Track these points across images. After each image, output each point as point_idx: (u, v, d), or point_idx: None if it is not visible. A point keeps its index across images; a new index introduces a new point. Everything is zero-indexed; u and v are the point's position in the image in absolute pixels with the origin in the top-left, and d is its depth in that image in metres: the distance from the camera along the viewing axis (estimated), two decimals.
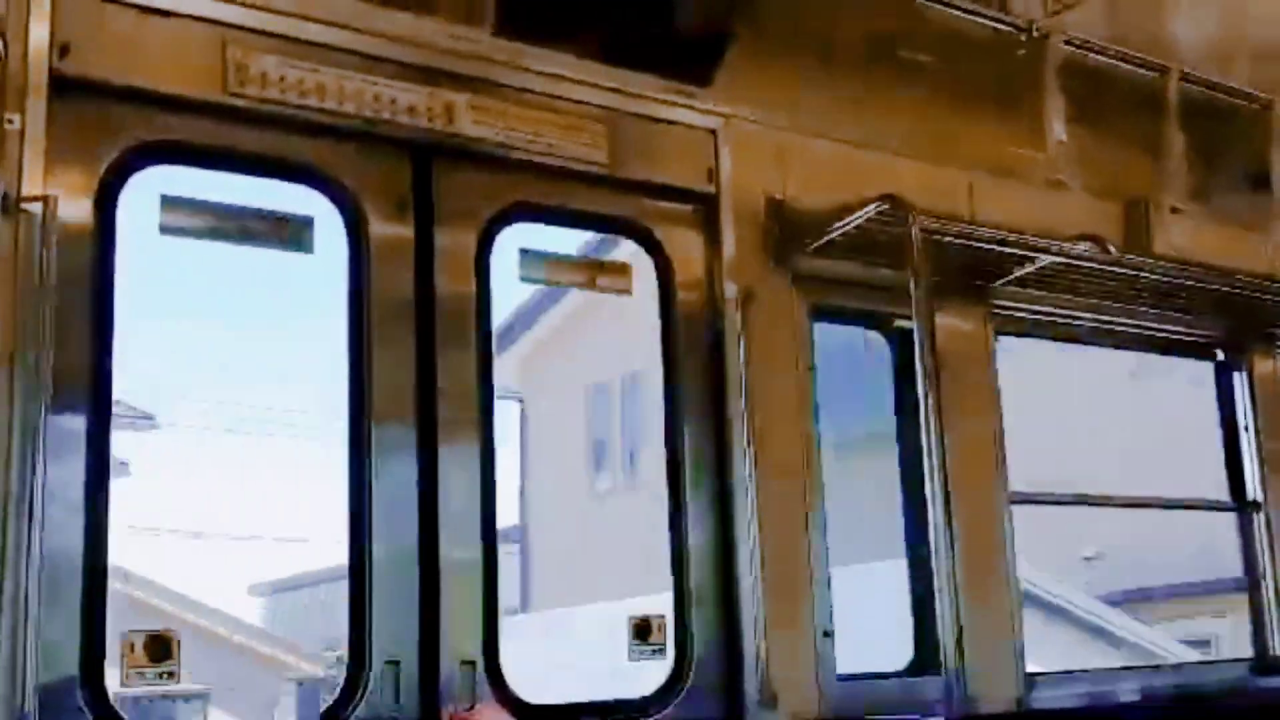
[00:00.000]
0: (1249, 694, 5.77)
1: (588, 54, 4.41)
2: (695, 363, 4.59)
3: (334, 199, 4.02)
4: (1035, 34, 4.73)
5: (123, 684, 3.50)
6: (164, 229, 3.79)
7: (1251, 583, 6.08)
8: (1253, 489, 6.10)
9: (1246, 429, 6.16)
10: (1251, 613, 6.05)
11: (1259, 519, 6.06)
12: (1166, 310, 5.76)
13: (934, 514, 4.34)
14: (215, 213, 3.86)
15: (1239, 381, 6.21)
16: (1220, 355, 6.24)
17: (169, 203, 3.79)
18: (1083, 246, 4.96)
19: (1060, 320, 5.56)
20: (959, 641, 4.25)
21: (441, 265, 4.15)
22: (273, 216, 3.95)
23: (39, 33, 3.46)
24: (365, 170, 4.06)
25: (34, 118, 3.43)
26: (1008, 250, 4.84)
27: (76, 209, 3.55)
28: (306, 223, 3.97)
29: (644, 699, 4.33)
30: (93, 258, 3.59)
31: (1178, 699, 5.49)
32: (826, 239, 4.66)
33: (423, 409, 4.03)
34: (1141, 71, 5.08)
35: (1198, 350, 6.23)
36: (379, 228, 4.06)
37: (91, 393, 3.53)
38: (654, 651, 4.36)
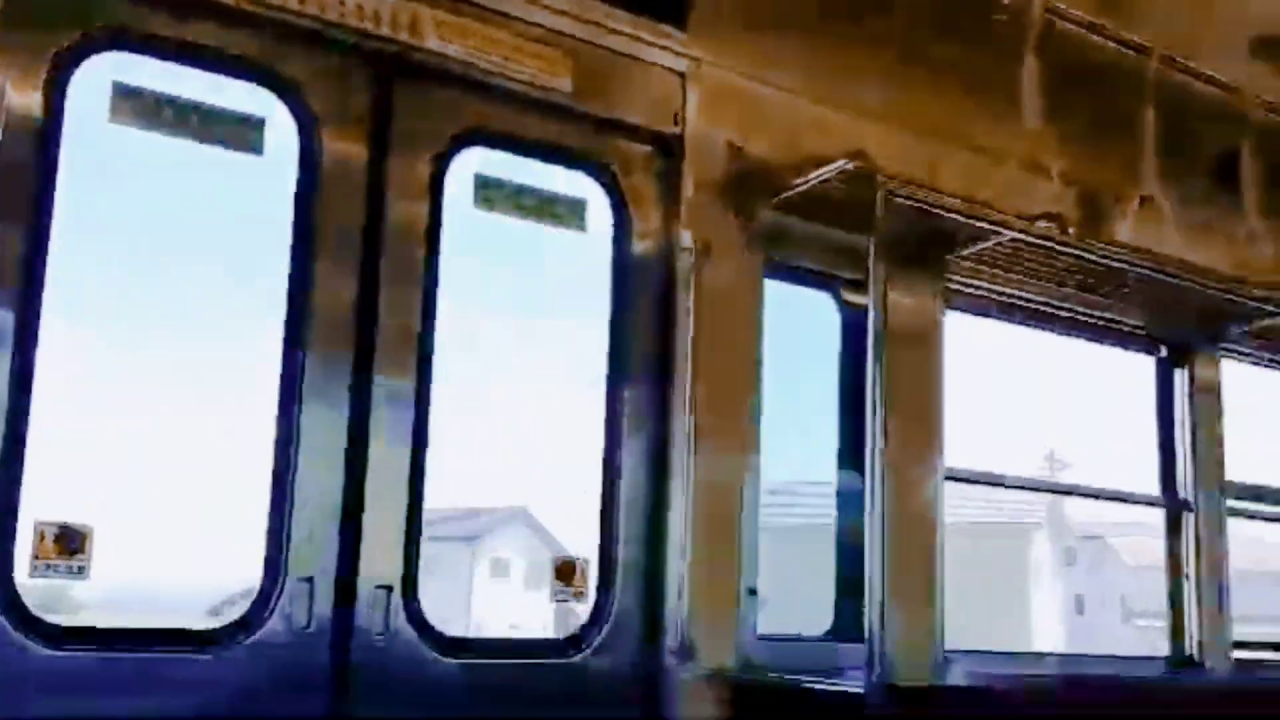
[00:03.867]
0: (1163, 687, 5.84)
1: None
2: (644, 308, 4.52)
3: (288, 102, 3.89)
4: None
5: (30, 575, 3.40)
6: (114, 118, 3.66)
7: (1174, 582, 6.13)
8: (1184, 488, 6.14)
9: (1182, 427, 6.19)
10: (1171, 611, 6.10)
11: (1188, 518, 6.10)
12: (1117, 301, 5.76)
13: (870, 484, 4.32)
14: (168, 105, 3.73)
15: (1180, 380, 6.23)
16: (1164, 352, 6.26)
17: (121, 92, 3.66)
18: (1042, 226, 4.93)
19: (1011, 300, 5.54)
20: (883, 612, 4.24)
21: (395, 185, 4.04)
22: (226, 115, 3.82)
23: None
24: (323, 77, 3.94)
25: None
26: (969, 223, 4.79)
27: (25, 95, 3.43)
28: (258, 124, 3.85)
29: (561, 640, 4.30)
30: (39, 145, 3.46)
31: (1092, 684, 5.53)
32: (788, 194, 4.59)
33: (362, 333, 3.93)
34: (1120, 49, 4.99)
35: (1143, 344, 6.24)
36: (333, 139, 3.95)
37: (22, 283, 3.41)
38: (576, 595, 4.31)
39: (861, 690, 4.19)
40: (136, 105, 3.72)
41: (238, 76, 3.89)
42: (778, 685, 4.41)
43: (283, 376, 3.86)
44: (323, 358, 3.87)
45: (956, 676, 5.01)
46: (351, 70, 4.02)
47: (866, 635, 4.30)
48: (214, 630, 3.66)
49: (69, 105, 3.58)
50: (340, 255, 3.95)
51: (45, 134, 3.51)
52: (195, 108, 3.80)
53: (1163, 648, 6.16)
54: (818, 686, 4.37)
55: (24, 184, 3.46)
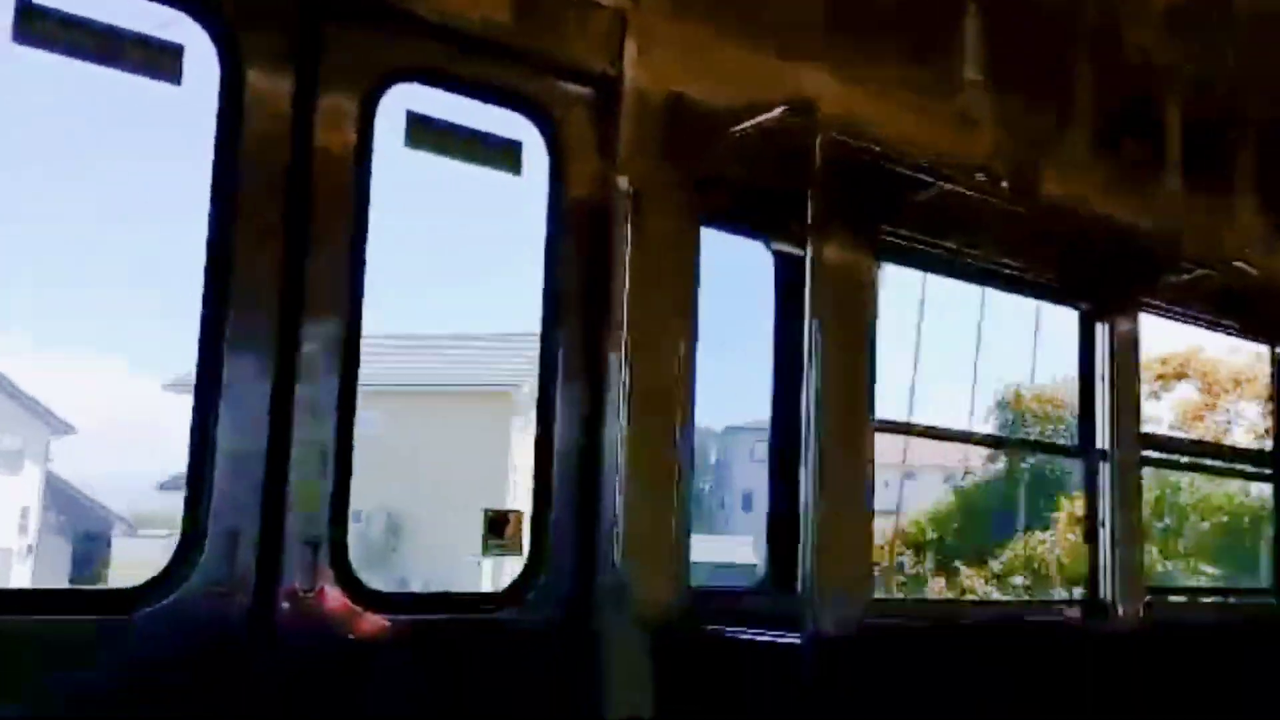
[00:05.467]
0: (1082, 633, 5.97)
1: None
2: (579, 255, 4.40)
3: (210, 29, 3.67)
4: None
5: None
6: (18, 39, 3.41)
7: (1090, 529, 6.25)
8: (1102, 438, 6.25)
9: (1102, 379, 6.29)
10: (1089, 558, 6.22)
11: (1104, 467, 6.21)
12: (1043, 255, 5.80)
13: (806, 434, 4.28)
14: (79, 27, 3.49)
15: (1100, 333, 6.32)
16: (1086, 306, 6.34)
17: (27, 11, 3.41)
18: (977, 179, 4.91)
19: (942, 252, 5.54)
20: (816, 563, 4.24)
21: (322, 120, 3.85)
22: (141, 41, 3.58)
23: None
24: (248, 4, 3.72)
25: None
26: (905, 173, 4.76)
27: None
28: (175, 51, 3.63)
29: (494, 594, 4.21)
30: None
31: (1016, 631, 5.63)
32: (726, 140, 4.50)
33: (288, 278, 3.75)
34: (1060, 3, 4.95)
35: (1066, 298, 6.32)
36: (257, 74, 3.74)
37: None
38: (509, 548, 4.22)
39: (797, 641, 4.18)
40: (47, 25, 3.47)
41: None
42: (711, 638, 4.38)
43: (204, 324, 3.67)
44: (247, 304, 3.69)
45: (884, 625, 5.07)
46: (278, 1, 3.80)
47: (800, 587, 4.28)
48: (133, 590, 3.49)
49: None
50: (265, 197, 3.76)
51: None
52: (111, 31, 3.57)
53: None
54: (752, 638, 4.36)
55: None
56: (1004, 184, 5.00)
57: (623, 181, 4.41)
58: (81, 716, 3.34)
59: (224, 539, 3.58)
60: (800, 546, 4.23)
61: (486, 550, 4.20)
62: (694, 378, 4.61)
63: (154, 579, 3.53)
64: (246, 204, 3.71)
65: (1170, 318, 6.76)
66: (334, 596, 3.80)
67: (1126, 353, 6.32)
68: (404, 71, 4.06)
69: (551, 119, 4.33)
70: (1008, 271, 5.88)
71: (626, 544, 4.27)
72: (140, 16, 3.59)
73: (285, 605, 3.68)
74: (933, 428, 6.09)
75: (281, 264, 3.76)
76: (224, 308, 3.65)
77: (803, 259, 4.54)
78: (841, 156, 4.52)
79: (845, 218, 4.89)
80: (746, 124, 4.41)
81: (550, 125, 4.34)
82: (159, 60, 3.61)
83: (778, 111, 4.33)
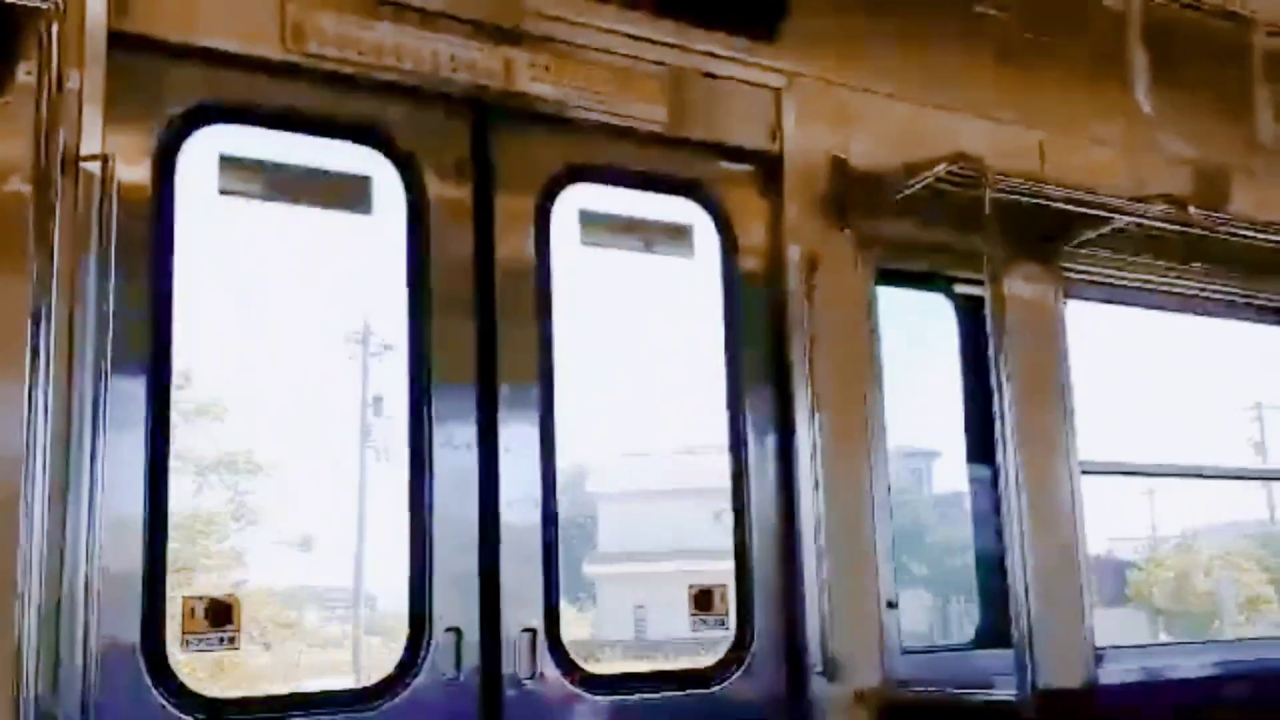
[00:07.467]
0: None
1: (647, 9, 4.30)
2: (757, 327, 4.49)
3: (392, 159, 3.95)
4: None
5: (182, 649, 3.47)
6: (223, 190, 3.74)
7: None
8: None
9: None
10: None
11: None
12: (1243, 274, 5.58)
13: (1005, 485, 4.23)
14: (274, 173, 3.81)
15: None
16: None
17: (227, 163, 3.74)
18: (1159, 208, 4.79)
19: (1133, 284, 5.39)
20: (1029, 615, 4.15)
21: (501, 228, 4.07)
22: (331, 177, 3.89)
23: None
24: (422, 129, 3.99)
25: (92, 76, 3.38)
26: (1081, 211, 4.68)
27: (135, 169, 3.51)
28: (364, 182, 3.91)
29: (705, 669, 4.27)
30: (151, 218, 3.54)
31: (1251, 677, 5.34)
32: (893, 200, 4.53)
33: (483, 376, 3.96)
34: (1222, 23, 4.84)
35: (1273, 315, 6.03)
36: (437, 188, 3.99)
37: (152, 357, 3.49)
38: (716, 622, 4.29)
39: (1013, 698, 4.09)
40: (244, 177, 3.80)
41: (339, 138, 3.95)
42: (927, 699, 4.34)
43: (411, 429, 3.90)
44: (447, 404, 3.91)
45: (1111, 675, 4.89)
46: (450, 119, 4.05)
47: (1014, 640, 4.20)
48: (363, 689, 3.70)
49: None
50: (454, 301, 3.98)
51: (157, 206, 3.55)
52: (302, 172, 3.87)
53: None
54: (967, 696, 4.30)
55: (142, 256, 3.52)
56: (1190, 209, 4.85)
57: (793, 250, 4.49)
58: None
59: (448, 633, 3.76)
60: (1010, 601, 4.16)
61: (694, 626, 4.28)
62: (884, 437, 4.62)
63: (389, 676, 3.74)
64: (439, 308, 3.93)
65: None
66: (555, 681, 3.93)
67: None
68: (572, 172, 4.24)
69: (718, 199, 4.46)
70: (1207, 295, 5.67)
71: (832, 608, 4.28)
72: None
73: (510, 693, 3.83)
74: (1143, 467, 5.89)
75: (476, 359, 3.96)
76: (428, 408, 3.86)
77: (984, 307, 4.51)
78: (1012, 202, 4.48)
79: (1025, 263, 4.84)
80: (914, 180, 4.44)
81: (717, 205, 4.47)
82: (351, 193, 3.91)
83: (941, 168, 4.35)
